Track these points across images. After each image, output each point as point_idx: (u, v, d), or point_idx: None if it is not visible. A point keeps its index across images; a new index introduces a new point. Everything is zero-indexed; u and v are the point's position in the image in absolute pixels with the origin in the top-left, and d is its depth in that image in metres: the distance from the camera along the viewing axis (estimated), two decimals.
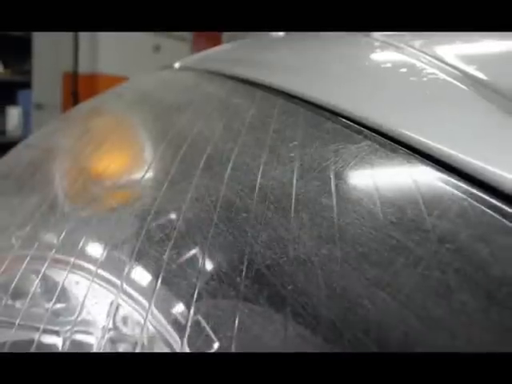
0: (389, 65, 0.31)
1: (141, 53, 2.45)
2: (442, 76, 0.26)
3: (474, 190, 0.19)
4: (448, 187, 0.20)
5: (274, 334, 0.18)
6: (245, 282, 0.20)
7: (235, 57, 0.46)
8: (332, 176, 0.23)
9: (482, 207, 0.19)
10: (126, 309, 0.21)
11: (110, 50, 2.33)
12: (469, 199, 0.19)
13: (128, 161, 0.32)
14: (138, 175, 0.28)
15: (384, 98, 0.27)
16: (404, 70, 0.29)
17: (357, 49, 0.35)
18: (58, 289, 0.23)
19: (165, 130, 0.33)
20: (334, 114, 0.26)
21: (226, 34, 3.00)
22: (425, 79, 0.27)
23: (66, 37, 2.28)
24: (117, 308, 0.21)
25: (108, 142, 0.34)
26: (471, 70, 0.26)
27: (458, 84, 0.25)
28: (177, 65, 0.47)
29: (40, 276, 0.24)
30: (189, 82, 0.42)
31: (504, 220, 0.18)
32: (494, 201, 0.19)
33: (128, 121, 0.39)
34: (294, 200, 0.22)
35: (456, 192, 0.20)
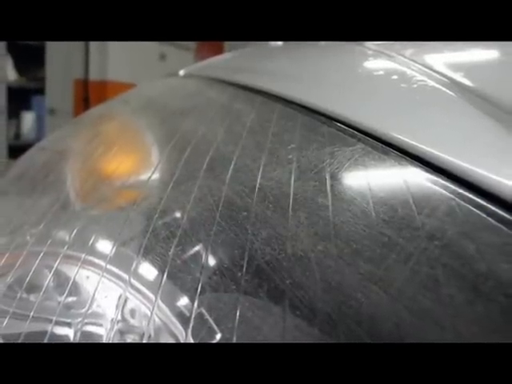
0: (381, 72, 0.31)
1: (147, 61, 2.45)
2: (431, 83, 0.26)
3: (461, 190, 0.19)
4: (437, 187, 0.20)
5: (273, 326, 0.18)
6: (245, 276, 0.20)
7: (236, 65, 0.46)
8: (328, 177, 0.23)
9: (469, 206, 0.19)
10: (133, 302, 0.21)
11: (119, 58, 2.33)
12: (456, 199, 0.19)
13: (135, 163, 0.32)
14: (144, 176, 0.28)
15: (377, 104, 0.27)
16: (395, 77, 0.29)
17: (351, 57, 0.35)
18: (70, 283, 0.23)
19: (170, 133, 0.33)
20: (330, 118, 0.27)
21: (227, 44, 3.00)
22: (415, 86, 0.27)
23: (77, 46, 2.28)
24: (125, 301, 0.21)
25: (117, 145, 0.34)
26: (458, 77, 0.26)
27: (446, 90, 0.25)
28: (181, 72, 0.47)
29: (53, 271, 0.24)
30: (193, 88, 0.42)
31: (489, 218, 0.18)
32: (479, 200, 0.19)
33: (135, 125, 0.39)
34: (291, 199, 0.22)
35: (444, 192, 0.20)
